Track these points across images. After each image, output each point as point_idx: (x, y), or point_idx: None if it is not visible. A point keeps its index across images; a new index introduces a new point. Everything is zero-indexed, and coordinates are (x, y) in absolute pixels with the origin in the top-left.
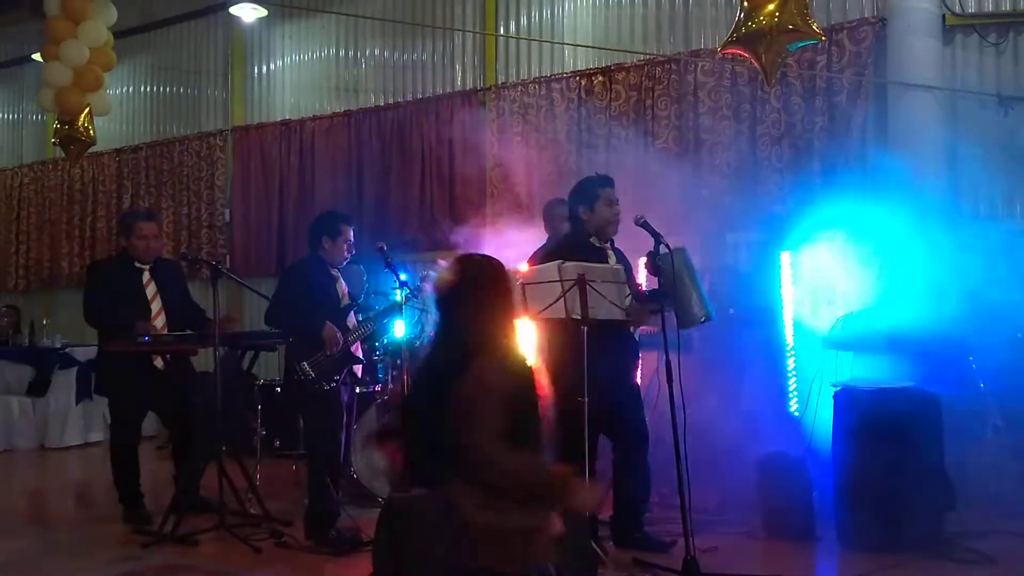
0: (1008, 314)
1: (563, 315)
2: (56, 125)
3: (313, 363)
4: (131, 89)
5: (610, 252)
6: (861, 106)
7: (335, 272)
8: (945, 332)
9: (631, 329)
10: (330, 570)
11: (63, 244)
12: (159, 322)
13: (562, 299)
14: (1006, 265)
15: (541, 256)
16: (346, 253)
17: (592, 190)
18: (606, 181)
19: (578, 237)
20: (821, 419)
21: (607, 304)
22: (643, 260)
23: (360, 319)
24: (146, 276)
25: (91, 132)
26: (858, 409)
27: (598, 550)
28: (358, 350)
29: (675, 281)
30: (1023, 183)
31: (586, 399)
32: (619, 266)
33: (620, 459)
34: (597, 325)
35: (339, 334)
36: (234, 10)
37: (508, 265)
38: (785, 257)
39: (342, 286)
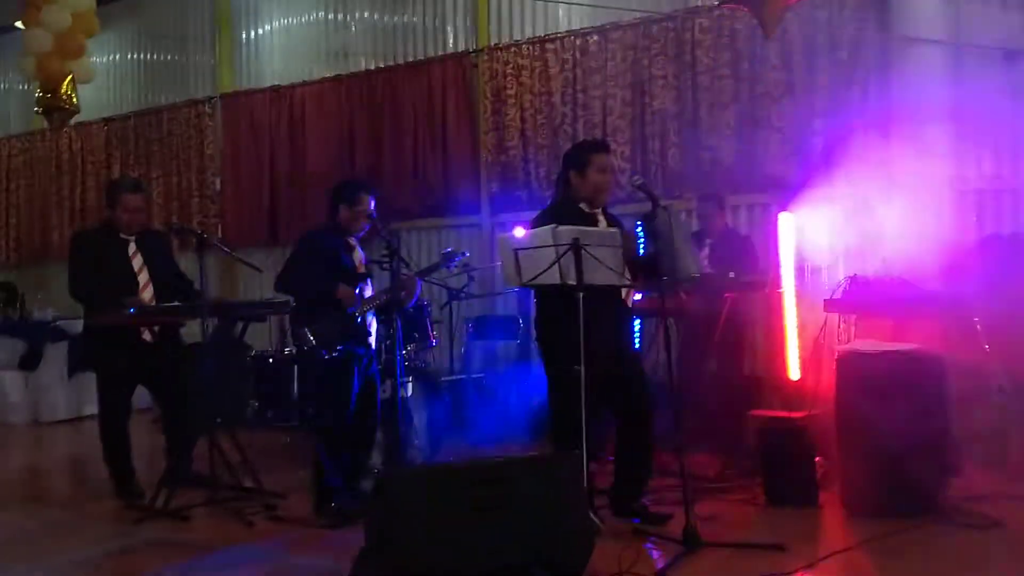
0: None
1: (557, 281)
2: (39, 93)
3: (314, 330)
4: (118, 56)
5: (601, 218)
6: (864, 62)
7: (352, 241)
8: (949, 293)
9: (623, 295)
10: (323, 543)
11: (53, 216)
12: (147, 294)
13: (556, 264)
14: (1011, 223)
15: (535, 221)
16: (363, 223)
17: (584, 155)
18: (600, 146)
19: (568, 203)
20: (824, 383)
21: (603, 269)
22: (638, 223)
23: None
24: (132, 247)
25: (74, 100)
26: (861, 373)
27: (595, 519)
28: (372, 323)
29: (671, 237)
30: None
31: (583, 368)
32: (615, 229)
33: (622, 431)
34: (592, 291)
35: (355, 293)
36: None
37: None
38: (786, 218)
39: (359, 255)
